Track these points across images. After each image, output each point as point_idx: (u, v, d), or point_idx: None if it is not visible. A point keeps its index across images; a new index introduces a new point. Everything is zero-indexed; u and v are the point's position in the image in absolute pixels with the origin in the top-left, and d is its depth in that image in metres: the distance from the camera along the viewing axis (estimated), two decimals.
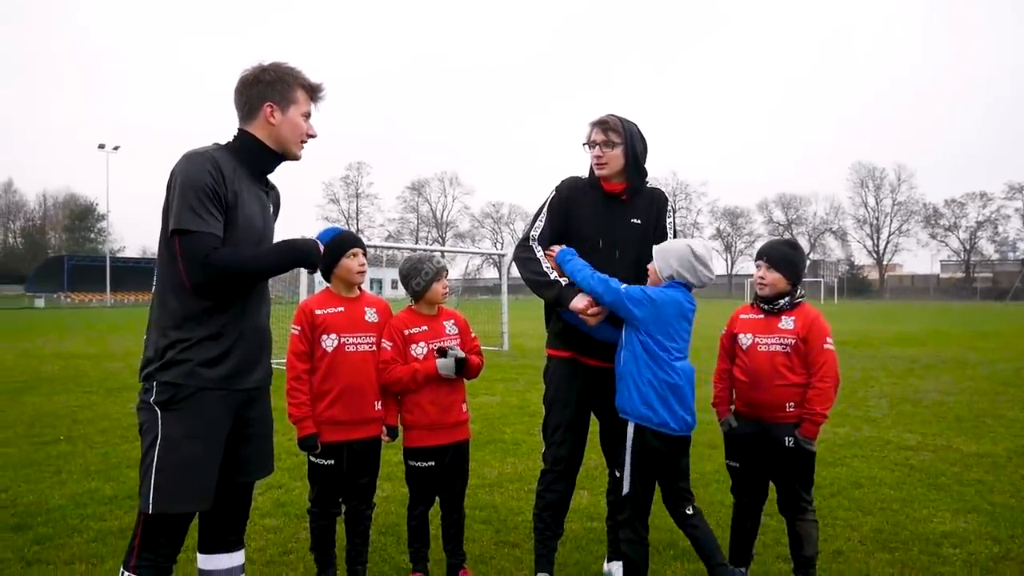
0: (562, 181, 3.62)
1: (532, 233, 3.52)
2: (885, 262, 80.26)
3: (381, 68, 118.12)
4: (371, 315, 3.53)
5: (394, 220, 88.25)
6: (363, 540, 3.57)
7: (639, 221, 3.52)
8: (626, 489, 3.26)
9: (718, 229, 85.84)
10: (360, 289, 3.62)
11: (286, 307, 14.26)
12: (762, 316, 3.56)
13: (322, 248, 2.75)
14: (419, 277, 3.65)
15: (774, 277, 3.52)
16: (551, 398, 3.57)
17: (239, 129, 2.63)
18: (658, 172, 79.52)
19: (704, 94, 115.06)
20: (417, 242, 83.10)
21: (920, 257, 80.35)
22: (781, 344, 3.46)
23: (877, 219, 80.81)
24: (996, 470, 5.89)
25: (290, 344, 3.45)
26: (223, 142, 2.62)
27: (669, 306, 3.22)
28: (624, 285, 3.25)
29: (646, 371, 3.19)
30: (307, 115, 2.66)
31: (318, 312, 3.43)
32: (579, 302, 3.27)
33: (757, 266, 3.62)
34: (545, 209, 3.55)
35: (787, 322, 3.49)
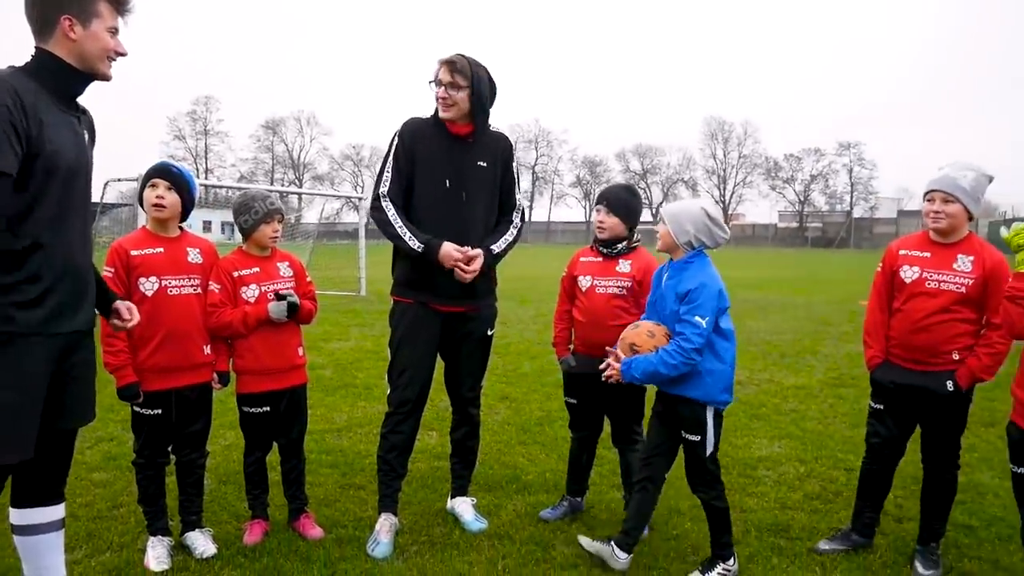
0: (404, 125, 3.50)
1: (381, 190, 3.43)
2: (730, 211, 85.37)
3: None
4: (195, 256, 3.33)
5: (247, 160, 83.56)
6: (196, 490, 3.44)
7: (485, 164, 3.50)
8: (712, 466, 3.23)
9: (578, 177, 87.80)
10: (181, 229, 3.40)
11: None
12: (600, 259, 3.67)
13: None
14: (248, 215, 3.48)
15: (612, 221, 3.62)
16: (398, 341, 3.54)
17: (36, 48, 2.34)
18: (521, 119, 79.99)
19: (567, 44, 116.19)
20: (272, 184, 79.36)
21: (761, 207, 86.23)
22: (618, 286, 3.60)
23: (724, 171, 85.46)
24: (809, 400, 6.52)
25: None
26: (19, 64, 2.33)
27: (721, 291, 3.13)
28: (697, 326, 2.99)
29: (727, 356, 3.16)
30: (113, 30, 2.39)
31: (134, 253, 3.18)
32: (453, 253, 3.30)
33: (597, 210, 3.70)
34: (391, 160, 3.45)
35: (624, 265, 3.63)
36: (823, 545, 3.54)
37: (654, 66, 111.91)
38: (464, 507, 3.80)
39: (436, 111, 3.46)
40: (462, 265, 3.32)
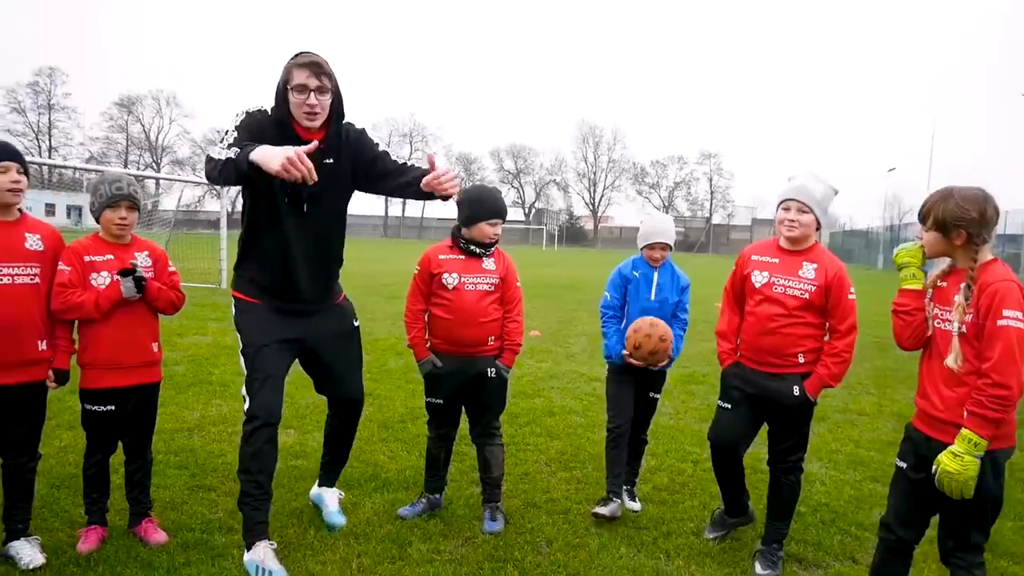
0: (247, 114, 3.05)
1: (221, 145, 2.89)
2: (599, 214, 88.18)
3: None
4: (34, 242, 3.07)
5: (98, 139, 77.39)
6: (24, 495, 3.17)
7: (331, 161, 3.17)
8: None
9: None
10: (21, 212, 3.13)
11: None
12: (463, 257, 3.70)
13: None
14: (94, 197, 3.25)
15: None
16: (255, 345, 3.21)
17: None
18: (396, 112, 78.90)
19: (444, 39, 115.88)
20: (126, 166, 74.09)
21: (628, 211, 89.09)
22: (488, 283, 3.67)
23: (594, 174, 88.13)
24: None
25: None
26: None
27: None
28: None
29: None
30: None
31: None
32: (263, 153, 2.68)
33: (494, 224, 3.70)
34: (234, 130, 2.97)
35: (488, 263, 3.71)
36: (707, 533, 3.77)
37: (530, 67, 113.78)
38: (331, 497, 3.75)
39: (277, 112, 3.07)
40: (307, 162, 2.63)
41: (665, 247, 3.96)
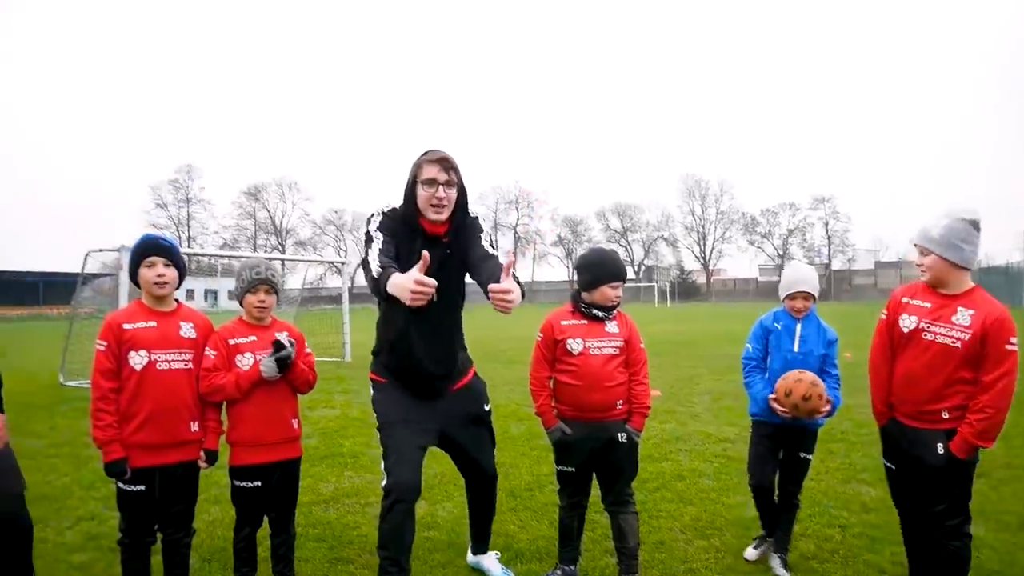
0: (381, 216, 3.26)
1: (375, 262, 3.06)
2: (711, 267, 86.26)
3: (213, 69, 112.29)
4: (188, 330, 3.32)
5: (229, 227, 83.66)
6: (182, 570, 3.35)
7: (450, 251, 3.33)
8: None
9: (559, 236, 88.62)
10: (177, 302, 3.41)
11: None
12: (586, 321, 3.66)
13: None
14: (237, 283, 3.53)
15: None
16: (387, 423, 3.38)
17: None
18: (501, 181, 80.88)
19: (545, 104, 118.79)
20: (255, 250, 79.30)
21: (740, 262, 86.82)
22: (613, 346, 3.63)
23: (703, 227, 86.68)
24: None
25: (95, 361, 3.18)
26: None
27: None
28: None
29: None
30: None
31: (126, 327, 3.19)
32: (396, 281, 2.78)
33: (615, 286, 3.64)
34: (377, 236, 3.18)
35: (612, 326, 3.67)
36: None
37: (630, 125, 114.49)
38: (489, 561, 3.89)
39: (404, 208, 3.25)
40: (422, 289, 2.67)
41: (808, 297, 3.93)
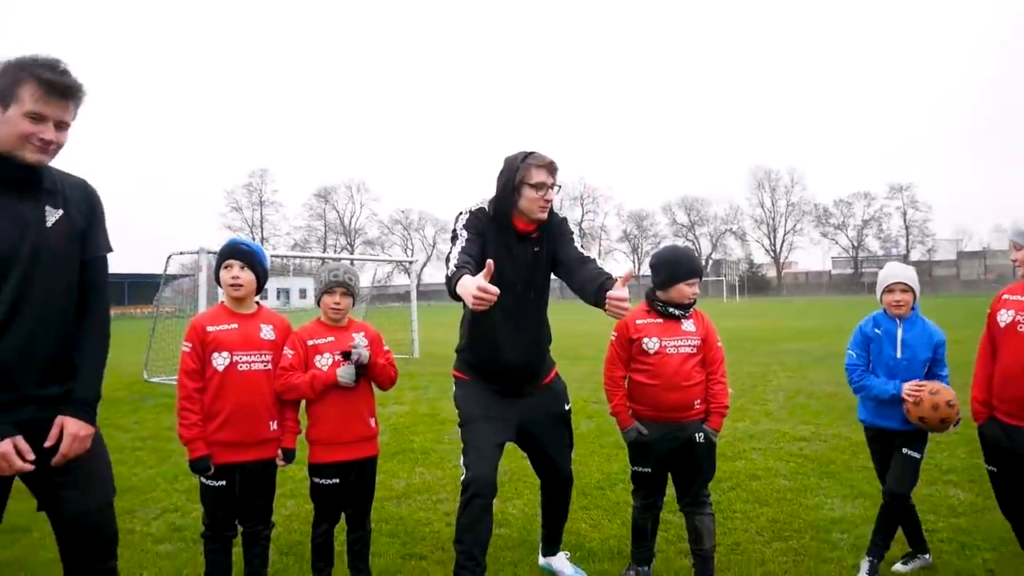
0: (471, 214, 3.34)
1: (456, 261, 3.09)
2: (781, 260, 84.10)
3: (284, 73, 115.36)
4: (267, 332, 3.40)
5: (300, 228, 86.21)
6: (261, 562, 3.44)
7: (539, 249, 3.42)
8: None
9: (625, 231, 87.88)
10: (258, 304, 3.50)
11: (184, 322, 13.71)
12: (662, 320, 3.60)
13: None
14: (316, 284, 3.62)
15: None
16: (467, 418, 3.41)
17: None
18: (566, 177, 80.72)
19: (608, 100, 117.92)
20: (325, 250, 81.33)
21: (813, 255, 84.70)
22: (690, 345, 3.57)
23: (773, 219, 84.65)
24: None
25: (181, 362, 3.31)
26: None
27: None
28: None
29: None
30: (35, 115, 2.22)
31: (210, 329, 3.30)
32: (466, 284, 2.80)
33: (692, 284, 3.58)
34: (463, 233, 3.26)
35: (688, 324, 3.61)
36: None
37: (694, 117, 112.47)
38: (559, 562, 3.85)
39: (496, 205, 3.33)
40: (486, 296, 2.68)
41: (906, 289, 3.70)
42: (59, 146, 2.31)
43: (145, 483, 5.79)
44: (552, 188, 3.31)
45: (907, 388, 3.56)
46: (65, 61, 2.29)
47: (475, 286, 2.67)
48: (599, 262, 3.34)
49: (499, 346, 3.39)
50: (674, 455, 3.58)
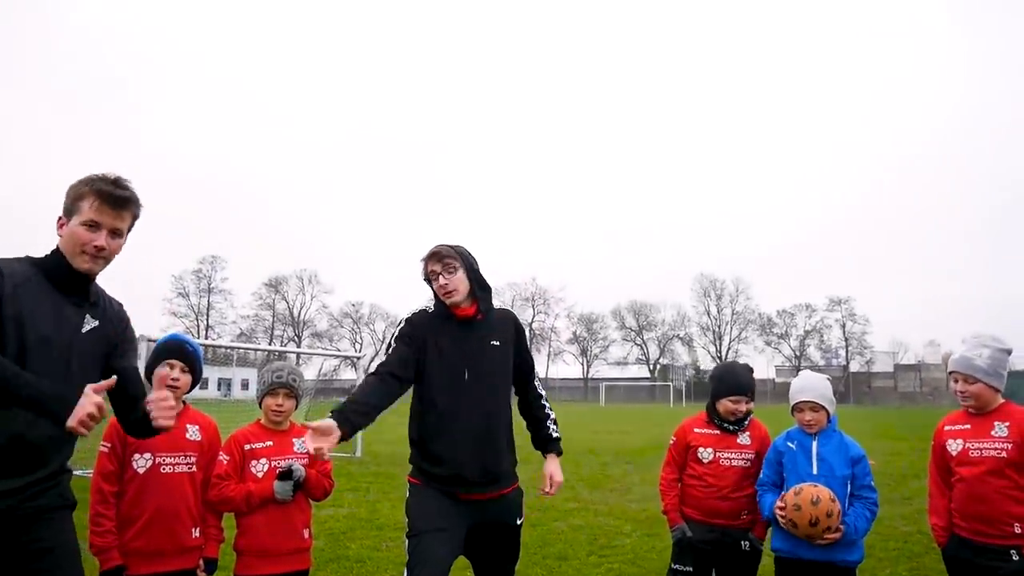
0: (412, 314, 3.41)
1: (378, 363, 3.25)
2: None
3: (244, 160, 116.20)
4: (193, 433, 3.26)
5: (248, 317, 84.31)
6: None
7: (497, 343, 3.42)
8: None
9: (574, 333, 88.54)
10: (184, 403, 3.36)
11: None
12: (719, 432, 3.83)
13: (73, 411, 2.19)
14: (259, 384, 3.51)
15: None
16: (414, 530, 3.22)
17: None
18: (518, 277, 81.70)
19: (560, 201, 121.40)
20: (271, 341, 79.76)
21: (757, 363, 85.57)
22: (743, 459, 3.77)
23: (719, 327, 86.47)
24: None
25: (97, 463, 3.11)
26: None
27: None
28: (875, 490, 3.55)
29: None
30: (91, 223, 2.46)
31: None
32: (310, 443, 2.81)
33: (736, 400, 3.80)
34: (395, 341, 3.31)
35: (744, 438, 3.82)
36: None
37: (646, 223, 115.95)
38: None
39: (436, 303, 3.41)
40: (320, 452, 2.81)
41: (816, 408, 3.59)
42: (111, 253, 2.53)
43: None
44: (444, 274, 3.30)
45: (778, 507, 3.44)
46: (127, 178, 2.57)
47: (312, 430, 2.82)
48: (539, 381, 3.68)
49: (447, 442, 3.26)
50: (717, 559, 3.73)
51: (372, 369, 3.22)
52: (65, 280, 2.49)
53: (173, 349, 3.25)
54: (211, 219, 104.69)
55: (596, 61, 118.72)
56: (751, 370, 3.99)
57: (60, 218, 2.51)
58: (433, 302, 3.43)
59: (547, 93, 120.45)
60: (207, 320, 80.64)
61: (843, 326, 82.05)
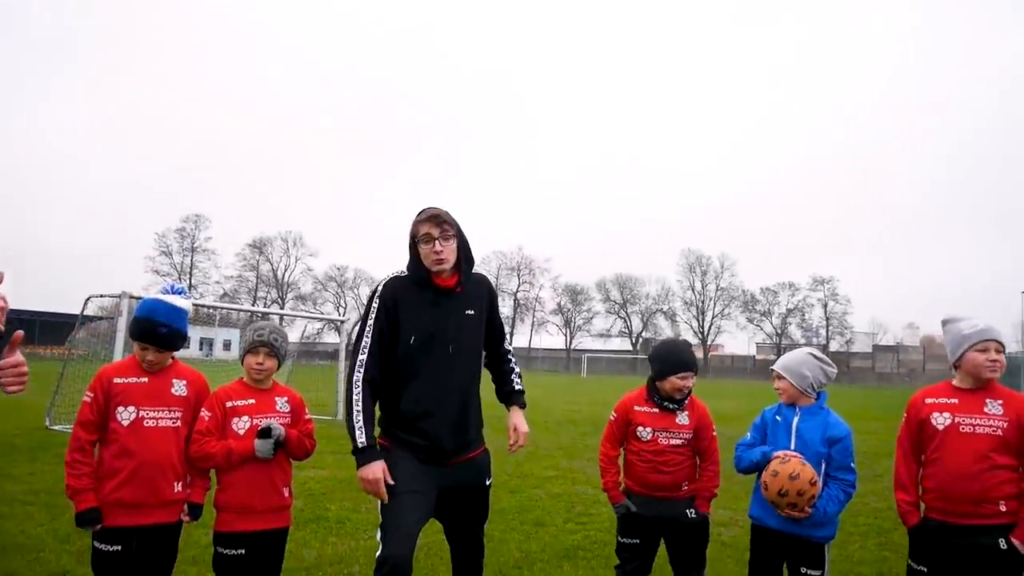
0: (383, 286, 3.37)
1: (359, 364, 3.26)
2: (709, 342, 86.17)
3: (230, 118, 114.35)
4: (179, 388, 3.27)
5: (231, 278, 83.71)
6: None
7: (472, 312, 3.44)
8: None
9: (559, 304, 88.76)
10: (172, 358, 3.36)
11: (96, 367, 13.08)
12: (658, 411, 3.85)
13: None
14: (242, 342, 3.50)
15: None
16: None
17: None
18: (505, 246, 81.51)
19: (550, 172, 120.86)
20: (255, 303, 79.38)
21: (739, 339, 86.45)
22: (681, 439, 3.83)
23: (703, 302, 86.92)
24: None
25: (79, 412, 3.13)
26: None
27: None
28: (854, 471, 3.52)
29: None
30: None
31: (116, 380, 3.15)
32: (369, 472, 3.12)
33: (684, 377, 3.79)
34: (370, 324, 3.31)
35: (683, 418, 3.85)
36: None
37: (634, 196, 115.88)
38: None
39: (412, 268, 3.38)
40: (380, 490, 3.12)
41: (779, 376, 3.67)
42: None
43: (33, 541, 5.39)
44: (441, 240, 3.27)
45: (776, 455, 3.49)
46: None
47: (378, 479, 3.10)
48: (508, 344, 3.72)
49: (424, 417, 3.30)
50: (665, 529, 3.80)
51: (362, 368, 3.25)
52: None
53: (148, 327, 3.19)
54: (195, 178, 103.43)
55: (585, 31, 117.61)
56: (691, 345, 4.10)
57: None
58: (408, 267, 3.40)
59: (541, 62, 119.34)
60: (190, 279, 80.00)
61: (825, 306, 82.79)
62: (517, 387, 3.63)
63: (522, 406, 3.59)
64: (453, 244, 3.33)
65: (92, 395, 3.11)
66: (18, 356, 2.23)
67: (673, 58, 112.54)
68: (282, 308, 75.67)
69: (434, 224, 3.28)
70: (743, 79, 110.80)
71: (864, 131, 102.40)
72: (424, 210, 3.36)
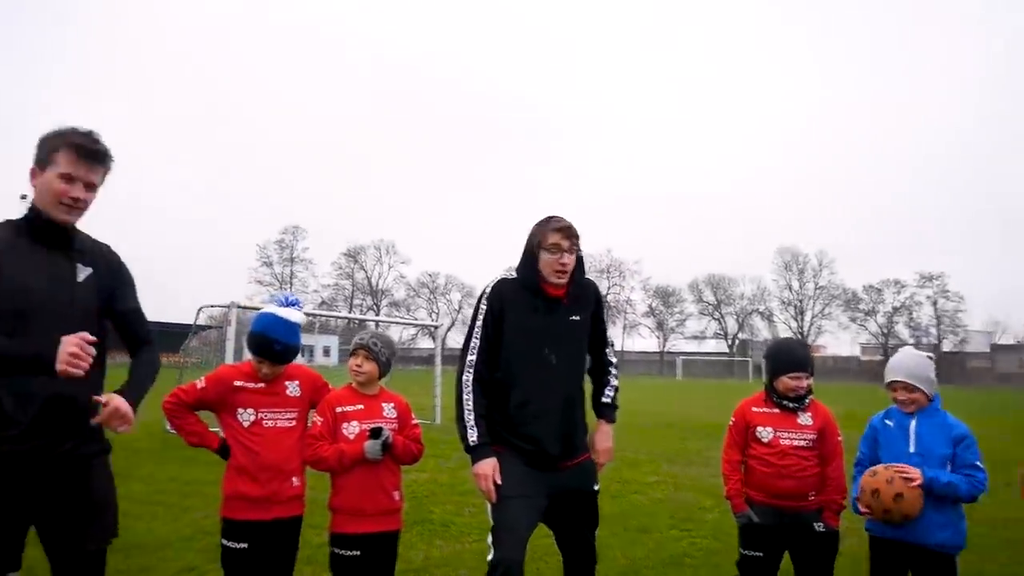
0: (491, 288, 3.40)
1: (467, 365, 3.33)
2: (809, 343, 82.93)
3: (323, 132, 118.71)
4: (292, 389, 3.39)
5: (328, 286, 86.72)
6: None
7: (577, 318, 3.44)
8: None
9: (650, 306, 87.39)
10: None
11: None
12: (778, 411, 3.71)
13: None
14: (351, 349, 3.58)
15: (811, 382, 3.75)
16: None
17: None
18: (593, 249, 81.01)
19: (638, 173, 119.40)
20: (351, 310, 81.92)
21: (841, 339, 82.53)
22: (804, 439, 3.64)
23: (801, 302, 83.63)
24: None
25: (188, 385, 3.33)
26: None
27: None
28: (983, 469, 3.30)
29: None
30: (67, 176, 2.50)
31: (236, 383, 3.30)
32: (481, 468, 3.19)
33: (796, 377, 3.68)
34: (479, 328, 3.35)
35: (805, 418, 3.68)
36: None
37: (724, 195, 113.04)
38: None
39: (523, 271, 3.40)
40: (488, 486, 3.18)
41: (909, 388, 3.45)
42: (86, 204, 2.57)
43: (159, 541, 5.67)
44: (568, 252, 3.30)
45: (858, 500, 3.40)
46: (98, 131, 2.61)
47: (489, 475, 3.15)
48: (612, 351, 3.69)
49: (532, 422, 3.30)
50: (789, 542, 3.62)
51: (470, 369, 3.32)
52: (48, 234, 2.53)
53: (262, 347, 3.31)
54: (293, 189, 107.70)
55: (674, 24, 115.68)
56: (807, 345, 3.93)
57: (33, 168, 2.54)
58: (518, 269, 3.42)
59: (629, 62, 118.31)
60: (290, 288, 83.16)
61: (934, 303, 78.25)
62: (609, 400, 3.57)
63: (611, 421, 3.53)
64: (574, 258, 3.35)
65: (205, 386, 3.29)
66: (118, 405, 2.48)
67: (764, 46, 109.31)
68: (377, 314, 77.62)
69: (565, 236, 3.30)
70: (839, 70, 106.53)
71: (975, 114, 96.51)
72: (554, 219, 3.37)
